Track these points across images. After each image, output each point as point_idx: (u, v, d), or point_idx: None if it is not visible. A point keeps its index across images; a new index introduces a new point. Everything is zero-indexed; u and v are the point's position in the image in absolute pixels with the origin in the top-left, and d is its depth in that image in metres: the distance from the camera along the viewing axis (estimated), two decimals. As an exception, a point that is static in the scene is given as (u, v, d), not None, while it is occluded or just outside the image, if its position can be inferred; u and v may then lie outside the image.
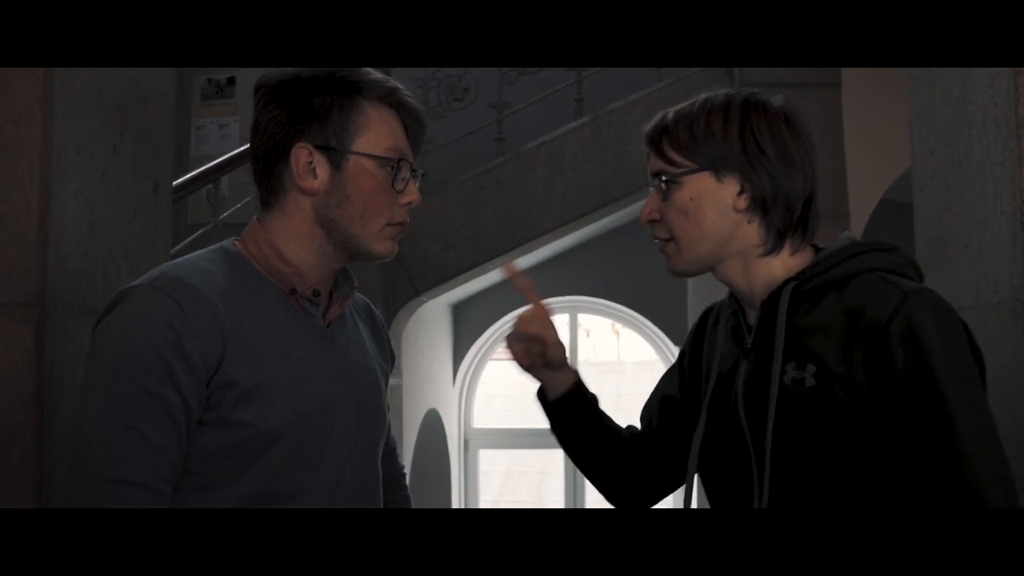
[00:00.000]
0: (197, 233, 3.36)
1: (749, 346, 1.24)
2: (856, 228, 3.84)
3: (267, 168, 1.24)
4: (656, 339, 6.95)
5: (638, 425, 1.47)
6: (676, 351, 6.98)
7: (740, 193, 1.20)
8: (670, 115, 1.24)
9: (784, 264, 1.22)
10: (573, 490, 7.67)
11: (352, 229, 1.23)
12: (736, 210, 1.21)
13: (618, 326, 7.98)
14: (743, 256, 1.23)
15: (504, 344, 1.42)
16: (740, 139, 1.19)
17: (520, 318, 1.39)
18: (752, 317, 1.25)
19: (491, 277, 4.99)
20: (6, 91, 1.50)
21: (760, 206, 1.20)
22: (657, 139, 1.24)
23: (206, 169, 3.30)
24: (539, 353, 1.38)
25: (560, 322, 6.85)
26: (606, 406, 1.46)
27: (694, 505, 1.31)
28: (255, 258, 1.24)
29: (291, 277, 1.23)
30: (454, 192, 4.17)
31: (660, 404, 1.42)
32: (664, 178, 1.22)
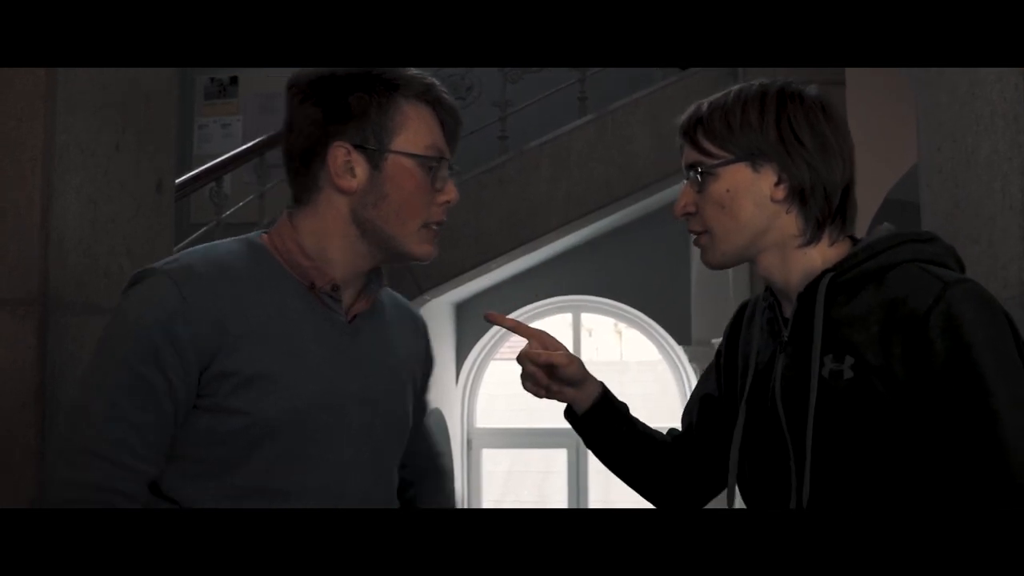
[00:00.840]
0: (199, 231, 3.36)
1: (786, 339, 1.21)
2: (860, 227, 3.83)
3: (302, 166, 1.22)
4: (659, 339, 6.95)
5: (679, 427, 1.44)
6: (679, 351, 6.99)
7: (777, 183, 1.18)
8: (704, 106, 1.22)
9: (823, 255, 1.20)
10: (576, 490, 7.67)
11: (389, 229, 1.21)
12: (773, 200, 1.18)
13: (621, 326, 7.99)
14: (781, 247, 1.20)
15: (517, 359, 1.36)
16: (777, 128, 1.17)
17: (523, 355, 1.34)
18: (788, 310, 1.22)
19: (494, 276, 4.98)
20: (8, 87, 1.50)
21: (798, 196, 1.18)
22: (692, 130, 1.22)
23: (209, 167, 3.31)
24: (554, 378, 1.35)
25: (563, 322, 6.84)
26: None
27: (738, 504, 1.29)
28: (278, 251, 1.23)
29: (310, 271, 1.21)
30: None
31: (699, 404, 1.40)
32: (700, 170, 1.20)
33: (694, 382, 6.89)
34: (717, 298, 6.16)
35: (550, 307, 6.67)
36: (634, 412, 1.45)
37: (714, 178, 1.19)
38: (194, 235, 3.31)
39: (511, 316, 1.44)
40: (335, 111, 1.20)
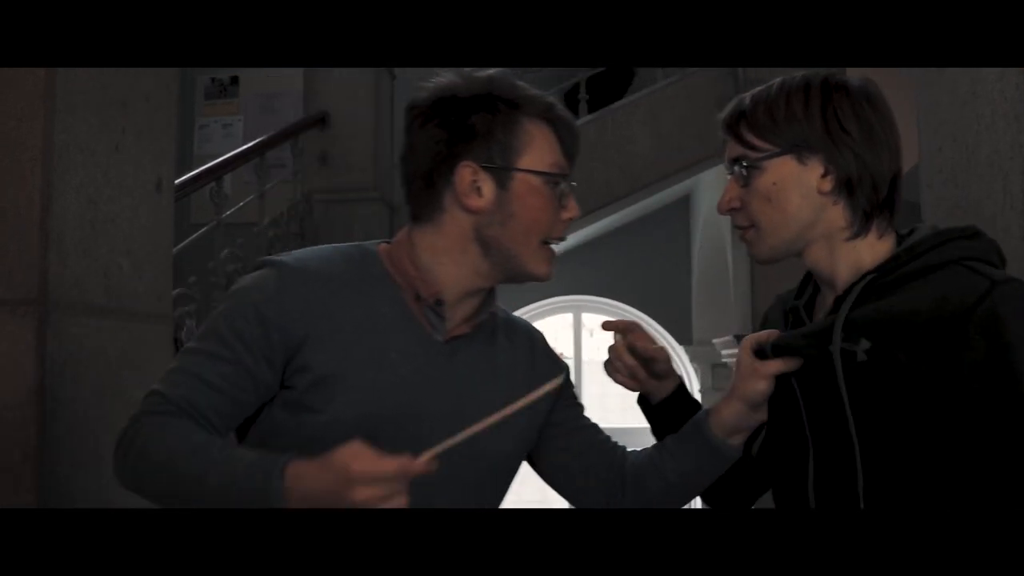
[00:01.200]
0: (199, 232, 3.35)
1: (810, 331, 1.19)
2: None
3: (426, 187, 1.22)
4: (661, 340, 6.94)
5: None
6: (680, 351, 6.97)
7: (824, 175, 1.16)
8: (747, 99, 1.20)
9: (871, 249, 1.18)
10: (577, 490, 7.67)
11: (514, 248, 1.21)
12: (820, 192, 1.16)
13: (622, 326, 7.98)
14: (828, 240, 1.18)
15: (612, 350, 1.35)
16: (822, 119, 1.15)
17: (624, 348, 1.33)
18: (829, 300, 1.21)
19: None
20: (8, 87, 1.49)
21: (845, 187, 1.16)
22: (735, 124, 1.20)
23: (209, 167, 3.30)
24: (648, 371, 1.34)
25: (564, 322, 6.84)
26: (608, 405, 1.43)
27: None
28: (391, 260, 1.24)
29: (416, 281, 1.22)
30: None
31: None
32: (745, 164, 1.18)
33: (696, 382, 6.89)
34: (718, 298, 6.17)
35: (551, 307, 6.67)
36: (635, 411, 1.45)
37: (759, 172, 1.17)
38: (194, 235, 3.31)
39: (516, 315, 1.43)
40: (459, 131, 1.20)
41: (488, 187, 1.20)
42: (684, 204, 6.55)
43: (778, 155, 1.17)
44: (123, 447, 1.14)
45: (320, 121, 4.36)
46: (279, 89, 5.87)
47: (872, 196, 1.16)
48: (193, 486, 1.08)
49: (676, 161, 4.51)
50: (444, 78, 1.24)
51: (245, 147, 3.76)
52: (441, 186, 1.21)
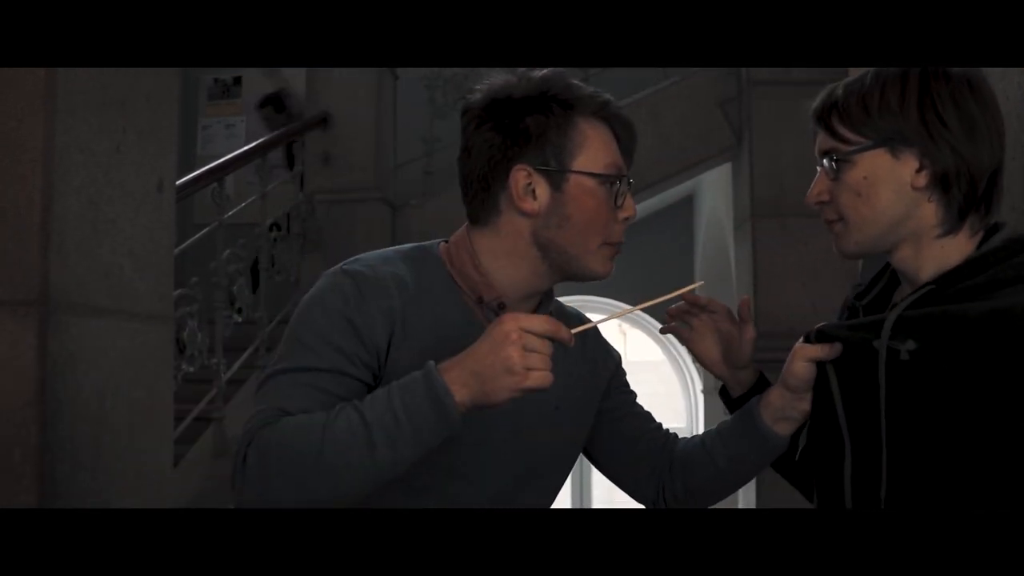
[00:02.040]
0: (201, 232, 3.36)
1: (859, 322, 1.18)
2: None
3: (482, 190, 1.22)
4: (663, 339, 6.94)
5: None
6: (683, 351, 6.96)
7: (919, 170, 1.11)
8: (839, 89, 1.15)
9: (959, 249, 1.13)
10: (579, 490, 7.67)
11: (572, 250, 1.21)
12: (914, 188, 1.11)
13: (625, 326, 7.99)
14: (917, 238, 1.13)
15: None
16: (919, 110, 1.10)
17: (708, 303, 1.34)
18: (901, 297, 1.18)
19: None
20: (8, 88, 1.50)
21: (941, 183, 1.10)
22: (826, 115, 1.15)
23: (210, 168, 3.31)
24: (727, 358, 1.35)
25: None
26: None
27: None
28: (452, 263, 1.24)
29: (480, 285, 1.22)
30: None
31: None
32: (835, 157, 1.14)
33: (698, 382, 6.88)
34: (721, 298, 6.15)
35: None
36: (657, 409, 1.45)
37: (850, 165, 1.13)
38: (195, 236, 3.31)
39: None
40: (514, 134, 1.19)
41: (543, 190, 1.20)
42: (687, 204, 6.55)
43: (870, 148, 1.12)
44: (247, 461, 1.09)
45: (322, 121, 4.36)
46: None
47: (969, 192, 1.11)
48: (349, 444, 1.06)
49: (678, 161, 4.50)
50: (499, 78, 1.23)
51: (246, 148, 3.77)
52: (496, 189, 1.21)
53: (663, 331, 1.45)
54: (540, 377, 1.05)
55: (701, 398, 6.82)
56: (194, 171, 3.27)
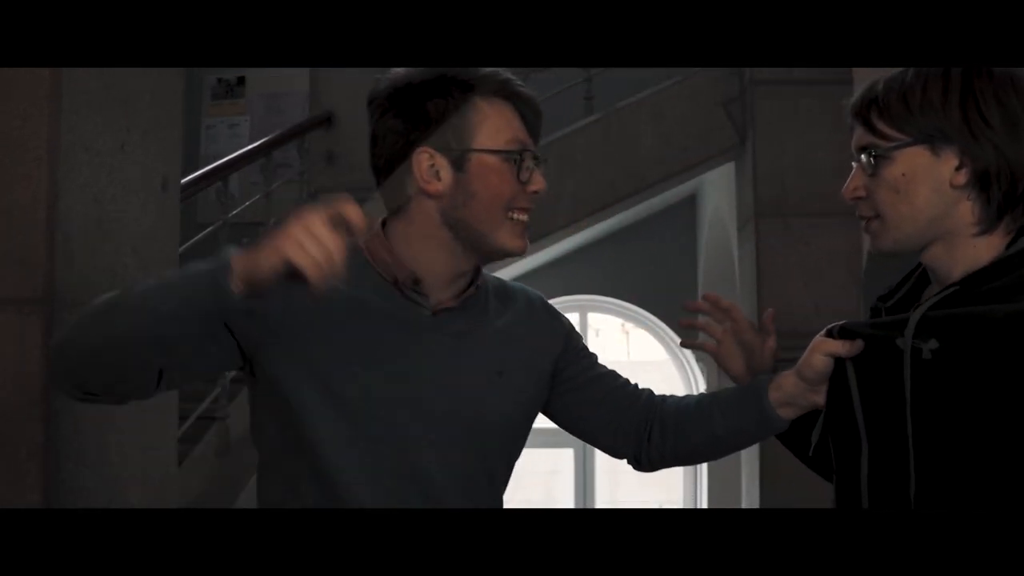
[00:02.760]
0: (206, 231, 3.36)
1: (883, 320, 1.18)
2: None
3: (390, 177, 1.25)
4: (666, 338, 6.93)
5: None
6: (689, 352, 6.93)
7: (959, 167, 1.10)
8: (880, 85, 1.15)
9: (992, 248, 1.12)
10: (583, 490, 7.66)
11: (481, 227, 1.23)
12: (953, 186, 1.10)
13: (628, 326, 7.99)
14: (951, 236, 1.13)
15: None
16: (962, 108, 1.09)
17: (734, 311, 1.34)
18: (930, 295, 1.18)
19: (501, 275, 4.98)
20: (12, 87, 1.50)
21: (980, 181, 1.10)
22: (865, 111, 1.15)
23: (214, 167, 3.31)
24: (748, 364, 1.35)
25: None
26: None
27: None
28: (368, 251, 1.26)
29: (392, 267, 1.24)
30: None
31: None
32: (873, 153, 1.13)
33: (701, 382, 6.88)
34: (725, 298, 6.15)
35: (557, 307, 6.67)
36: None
37: (889, 162, 1.12)
38: (199, 235, 3.32)
39: None
40: (415, 119, 1.22)
41: (446, 171, 1.22)
42: (690, 204, 6.54)
43: (910, 145, 1.11)
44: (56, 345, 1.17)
45: (326, 121, 4.37)
46: (285, 89, 5.88)
47: (1009, 191, 1.10)
48: (136, 292, 1.12)
49: (681, 160, 4.50)
50: (401, 69, 1.26)
51: (251, 147, 3.78)
52: (402, 174, 1.23)
53: (683, 345, 1.46)
54: (305, 257, 1.02)
55: (704, 398, 6.79)
56: (197, 171, 3.28)
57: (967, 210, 1.11)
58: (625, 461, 1.42)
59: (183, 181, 2.96)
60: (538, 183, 1.26)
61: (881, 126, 1.13)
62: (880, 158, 1.13)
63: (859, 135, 1.16)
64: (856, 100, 1.17)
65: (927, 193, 1.11)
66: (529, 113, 1.27)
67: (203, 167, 3.36)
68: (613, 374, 1.41)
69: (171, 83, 1.83)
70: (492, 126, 1.23)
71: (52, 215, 1.50)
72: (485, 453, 1.29)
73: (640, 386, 1.42)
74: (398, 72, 1.26)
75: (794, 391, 1.26)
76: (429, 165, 1.22)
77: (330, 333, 1.20)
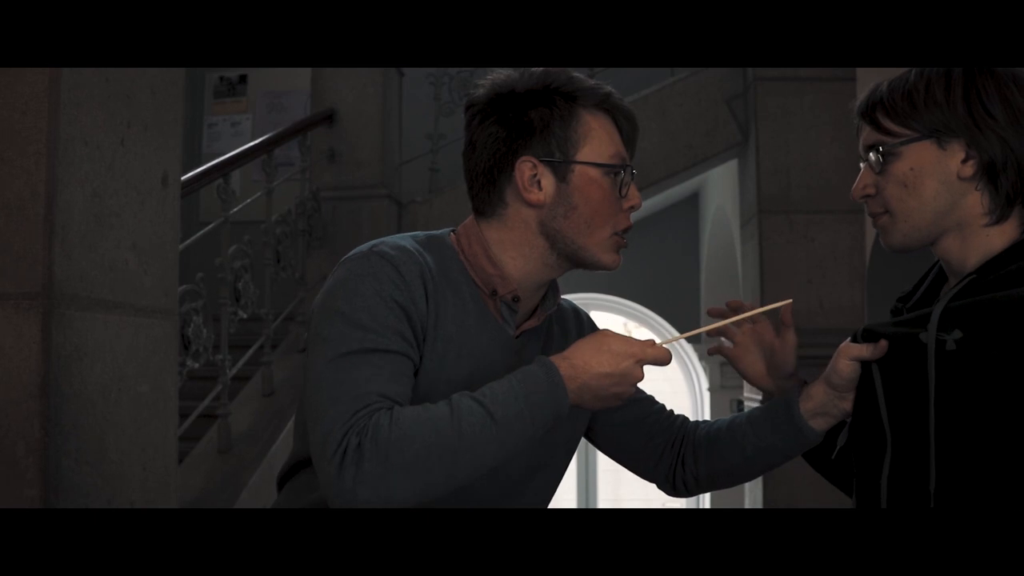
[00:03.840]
0: (207, 228, 3.36)
1: (905, 315, 1.19)
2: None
3: (488, 183, 1.25)
4: (668, 336, 6.92)
5: None
6: (689, 348, 6.95)
7: (965, 160, 1.13)
8: (884, 86, 1.18)
9: (1004, 237, 1.15)
10: (585, 489, 7.66)
11: (579, 240, 1.23)
12: (961, 178, 1.14)
13: (631, 325, 7.98)
14: (962, 228, 1.15)
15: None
16: (965, 102, 1.12)
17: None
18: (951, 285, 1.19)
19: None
20: (12, 80, 1.49)
21: (988, 172, 1.13)
22: (871, 111, 1.18)
23: (216, 164, 3.30)
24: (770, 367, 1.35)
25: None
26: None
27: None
28: (464, 253, 1.25)
29: (494, 279, 1.24)
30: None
31: None
32: (880, 149, 1.17)
33: (703, 380, 6.88)
34: (727, 296, 6.15)
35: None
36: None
37: (896, 157, 1.16)
38: (200, 232, 3.31)
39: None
40: (518, 127, 1.22)
41: (548, 181, 1.22)
42: (693, 201, 6.54)
43: (917, 140, 1.14)
44: (363, 455, 1.05)
45: (328, 118, 4.36)
46: (287, 88, 5.89)
47: (1016, 181, 1.13)
48: (479, 438, 1.08)
49: (684, 158, 4.49)
50: (500, 74, 1.25)
51: (252, 144, 3.76)
52: (503, 182, 1.23)
53: (711, 352, 1.45)
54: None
55: (707, 396, 6.81)
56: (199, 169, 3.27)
57: (976, 201, 1.14)
58: (655, 485, 1.42)
59: (184, 178, 2.96)
60: (634, 198, 1.26)
61: (888, 124, 1.16)
62: (888, 155, 1.16)
63: (866, 134, 1.19)
64: (862, 101, 1.20)
65: (935, 186, 1.14)
66: (628, 127, 1.27)
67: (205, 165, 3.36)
68: (650, 399, 1.42)
69: (172, 78, 1.82)
70: (596, 139, 1.23)
71: (51, 209, 1.49)
72: (541, 477, 1.30)
73: (672, 411, 1.42)
74: (498, 78, 1.25)
75: (824, 399, 1.25)
76: (532, 175, 1.21)
77: (442, 341, 1.18)
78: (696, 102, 4.45)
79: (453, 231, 1.29)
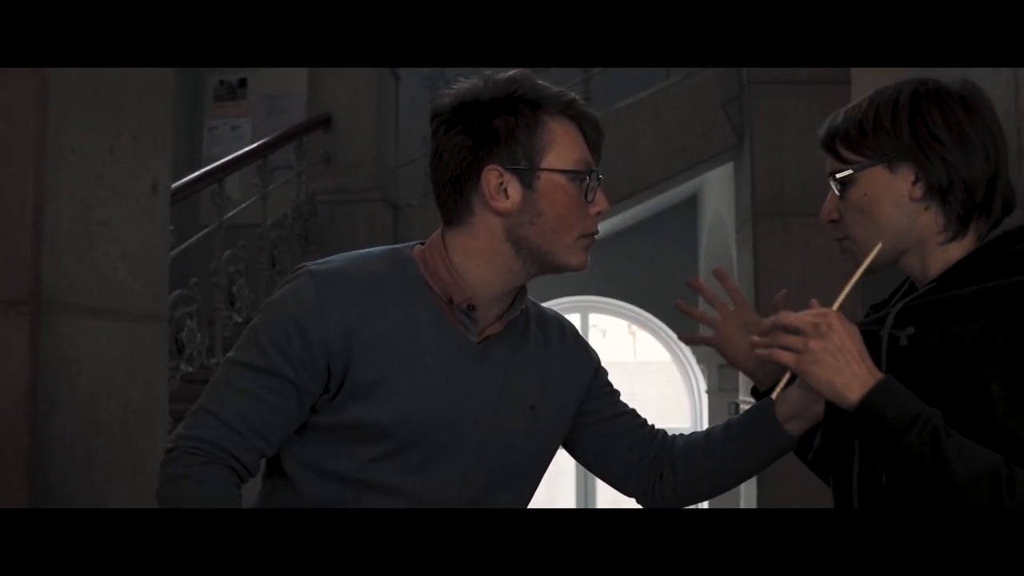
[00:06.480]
0: (201, 233, 3.37)
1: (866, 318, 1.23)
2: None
3: (455, 192, 1.25)
4: (669, 340, 6.94)
5: None
6: (688, 352, 6.95)
7: (915, 182, 1.18)
8: (839, 116, 1.24)
9: (963, 251, 1.19)
10: (584, 490, 7.66)
11: (545, 245, 1.24)
12: (912, 199, 1.19)
13: (634, 327, 7.99)
14: (922, 245, 1.21)
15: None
16: (910, 127, 1.18)
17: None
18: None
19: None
20: None
21: (937, 193, 1.18)
22: (830, 141, 1.24)
23: (209, 169, 3.32)
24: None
25: (571, 321, 6.84)
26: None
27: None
28: (425, 264, 1.26)
29: (450, 287, 1.24)
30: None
31: None
32: (838, 176, 1.22)
33: (703, 383, 6.88)
34: (727, 297, 6.15)
35: (558, 308, 6.67)
36: (645, 413, 1.45)
37: (853, 184, 1.21)
38: (194, 237, 3.32)
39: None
40: (483, 136, 1.22)
41: (514, 189, 1.22)
42: (691, 205, 6.54)
43: (868, 166, 1.20)
44: (167, 477, 1.18)
45: (324, 122, 4.37)
46: (287, 90, 5.89)
47: (966, 200, 1.18)
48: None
49: (680, 161, 4.50)
50: (465, 82, 1.25)
51: (246, 149, 3.78)
52: (469, 190, 1.23)
53: (681, 339, 1.48)
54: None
55: (705, 398, 6.81)
56: (198, 172, 3.29)
57: (931, 220, 1.19)
58: (634, 500, 1.43)
59: (178, 183, 2.97)
60: (601, 203, 1.26)
61: (844, 152, 1.22)
62: (845, 182, 1.22)
63: (828, 163, 1.25)
64: (823, 132, 1.26)
65: (889, 209, 1.20)
66: (593, 133, 1.27)
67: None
68: (633, 413, 1.43)
69: (161, 85, 1.83)
70: (561, 146, 1.23)
71: (40, 218, 1.50)
72: (511, 486, 1.30)
73: (653, 426, 1.43)
74: (461, 87, 1.25)
75: (798, 402, 1.28)
76: (498, 183, 1.22)
77: (383, 357, 1.20)
78: (691, 105, 4.45)
79: (422, 243, 1.30)
